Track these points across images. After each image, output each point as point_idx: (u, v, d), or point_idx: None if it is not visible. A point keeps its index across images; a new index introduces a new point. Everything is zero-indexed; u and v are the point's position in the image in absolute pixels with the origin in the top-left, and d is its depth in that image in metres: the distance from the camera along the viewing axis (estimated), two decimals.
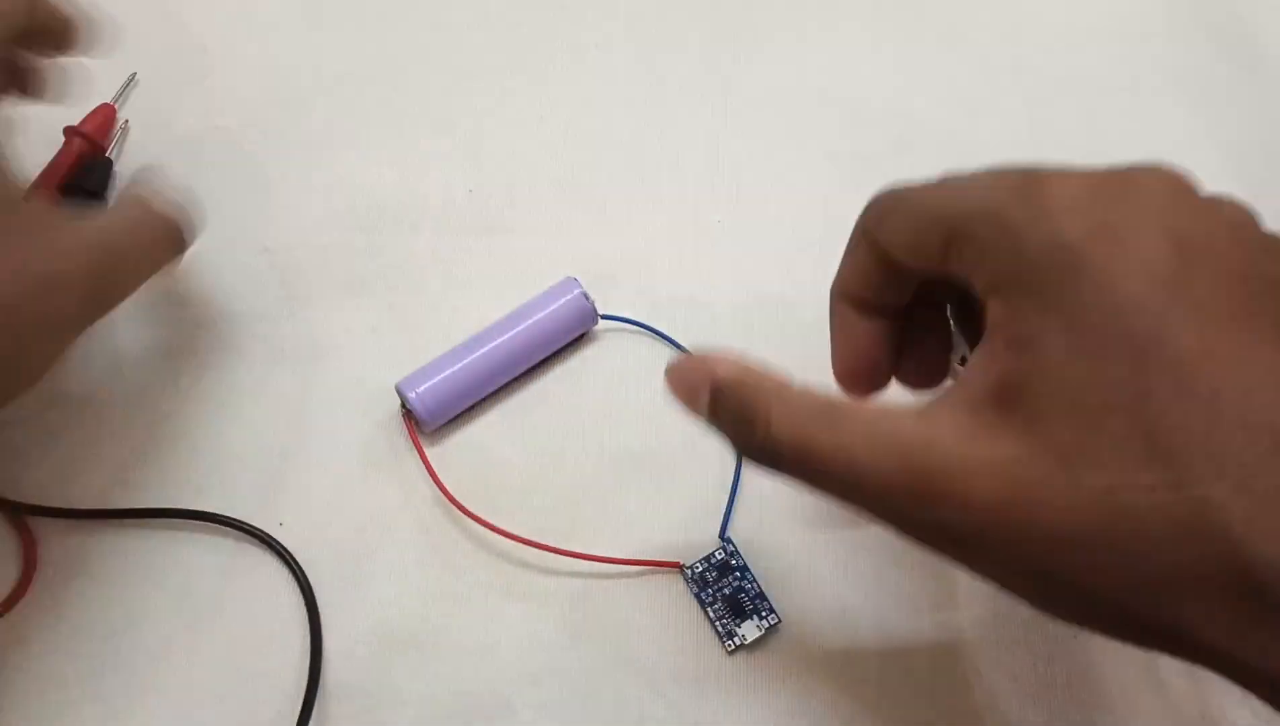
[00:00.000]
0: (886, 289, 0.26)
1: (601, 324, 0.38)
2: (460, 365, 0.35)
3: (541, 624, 0.33)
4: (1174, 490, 0.18)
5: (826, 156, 0.42)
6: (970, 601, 0.34)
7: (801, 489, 0.23)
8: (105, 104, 0.40)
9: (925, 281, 0.26)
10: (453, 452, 0.36)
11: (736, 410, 0.24)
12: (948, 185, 0.23)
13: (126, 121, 0.41)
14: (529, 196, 0.41)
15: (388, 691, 0.32)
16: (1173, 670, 0.33)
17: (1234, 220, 0.22)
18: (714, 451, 0.36)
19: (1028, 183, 0.21)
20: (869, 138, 0.43)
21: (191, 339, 0.37)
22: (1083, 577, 0.20)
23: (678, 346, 0.38)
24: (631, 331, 0.38)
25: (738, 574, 0.34)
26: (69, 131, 0.39)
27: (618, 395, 0.37)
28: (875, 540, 0.34)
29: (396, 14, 0.45)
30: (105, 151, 0.40)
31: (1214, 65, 0.45)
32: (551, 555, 0.33)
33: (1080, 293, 0.20)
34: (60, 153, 0.38)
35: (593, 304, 0.37)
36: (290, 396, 0.37)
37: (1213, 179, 0.43)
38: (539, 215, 0.41)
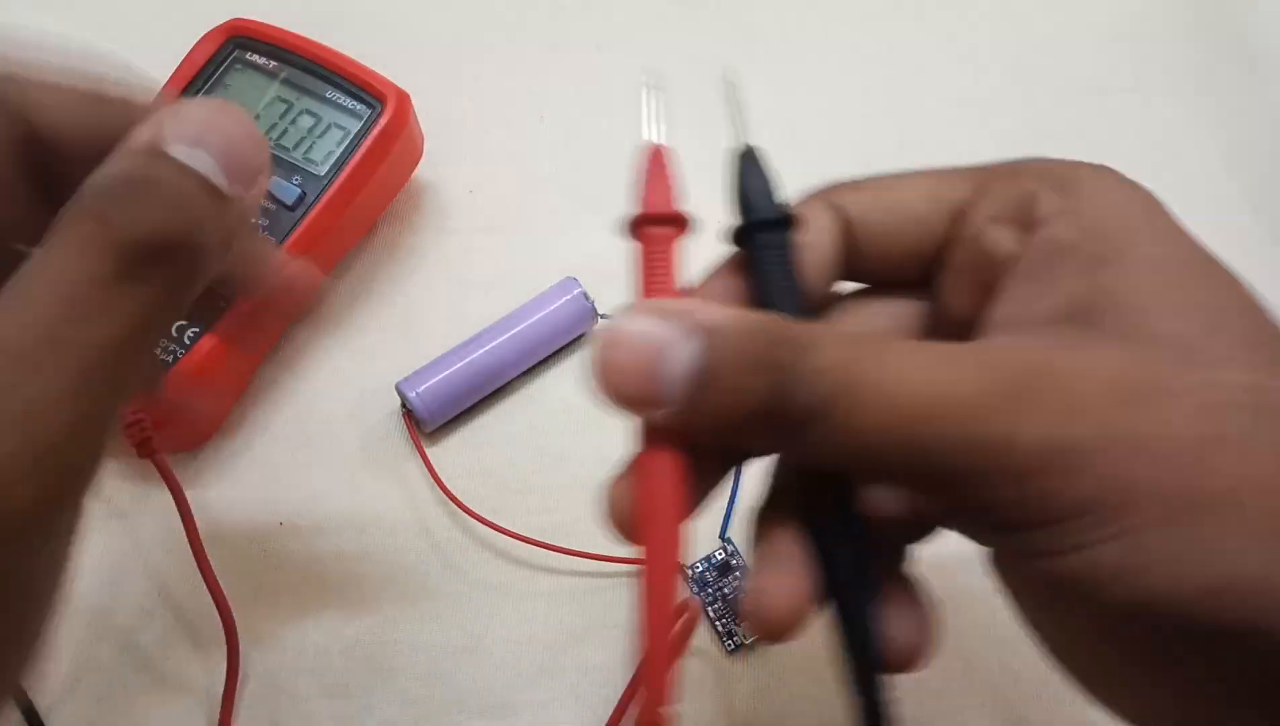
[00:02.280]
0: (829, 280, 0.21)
1: (601, 323, 0.38)
2: (460, 364, 0.35)
3: (541, 623, 0.33)
4: None
5: (826, 156, 0.42)
6: (971, 601, 0.34)
7: (833, 464, 0.18)
8: None
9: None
10: (453, 452, 0.36)
11: (755, 354, 0.17)
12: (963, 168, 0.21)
13: None
14: (529, 196, 0.41)
15: (388, 691, 0.32)
16: None
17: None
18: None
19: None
20: (870, 138, 0.43)
21: None
22: (1216, 481, 0.15)
23: None
24: None
25: (738, 574, 0.34)
26: None
27: None
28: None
29: (399, 16, 0.45)
30: None
31: (1214, 65, 0.45)
32: (552, 554, 0.33)
33: (1162, 221, 0.18)
34: None
35: (592, 303, 0.37)
36: (293, 398, 0.37)
37: (1213, 179, 0.44)
38: (539, 215, 0.41)
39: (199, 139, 0.18)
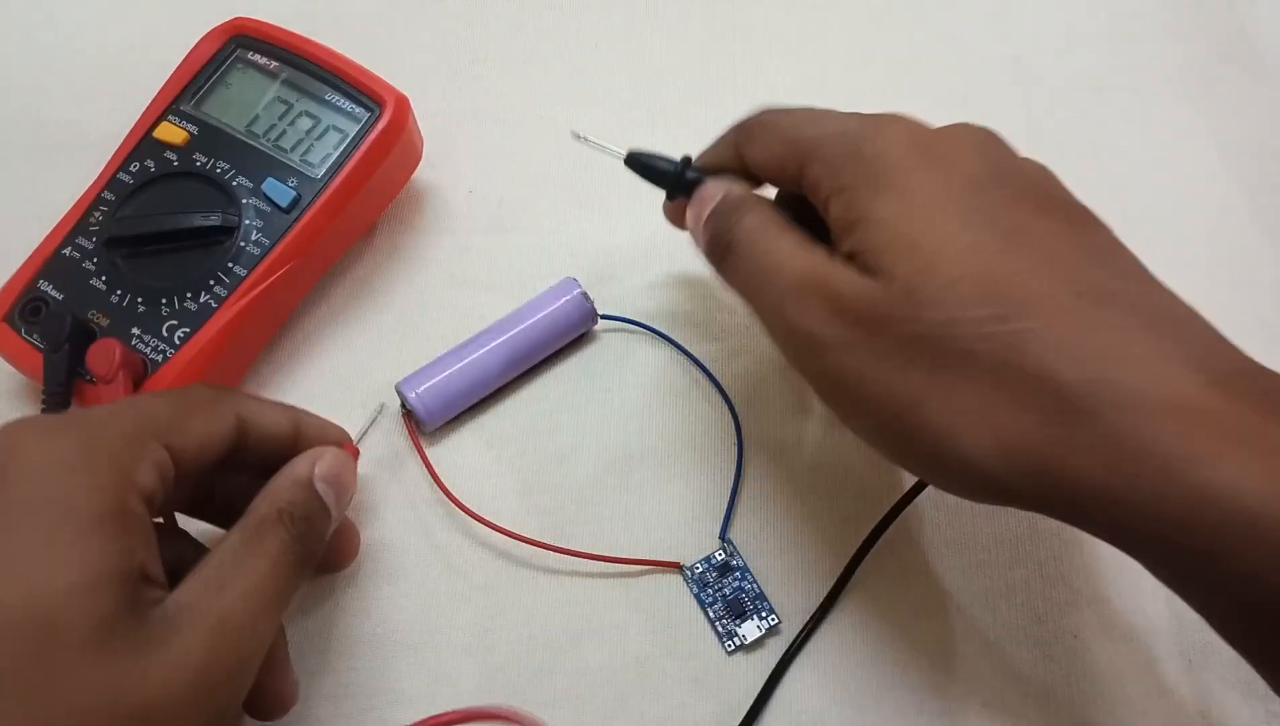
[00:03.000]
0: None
1: (601, 323, 0.38)
2: (460, 365, 0.35)
3: (542, 624, 0.33)
4: (1000, 322, 0.23)
5: None
6: (970, 603, 0.34)
7: (735, 282, 0.30)
8: None
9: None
10: (453, 452, 0.36)
11: (725, 206, 0.30)
12: (811, 113, 0.30)
13: None
14: (529, 196, 0.41)
15: (388, 691, 0.32)
16: (1174, 670, 0.33)
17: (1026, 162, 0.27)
18: (715, 452, 0.36)
19: (877, 117, 0.28)
20: None
21: None
22: (923, 403, 0.23)
23: (676, 345, 0.38)
24: (631, 330, 0.38)
25: (738, 574, 0.34)
26: None
27: (617, 394, 0.37)
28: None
29: (400, 15, 0.45)
30: None
31: (1214, 65, 0.45)
32: (552, 555, 0.33)
33: (912, 182, 0.25)
34: None
35: (592, 304, 0.37)
36: (291, 398, 0.37)
37: (1213, 179, 0.44)
38: (539, 214, 0.41)
39: (329, 478, 0.29)
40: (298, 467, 0.29)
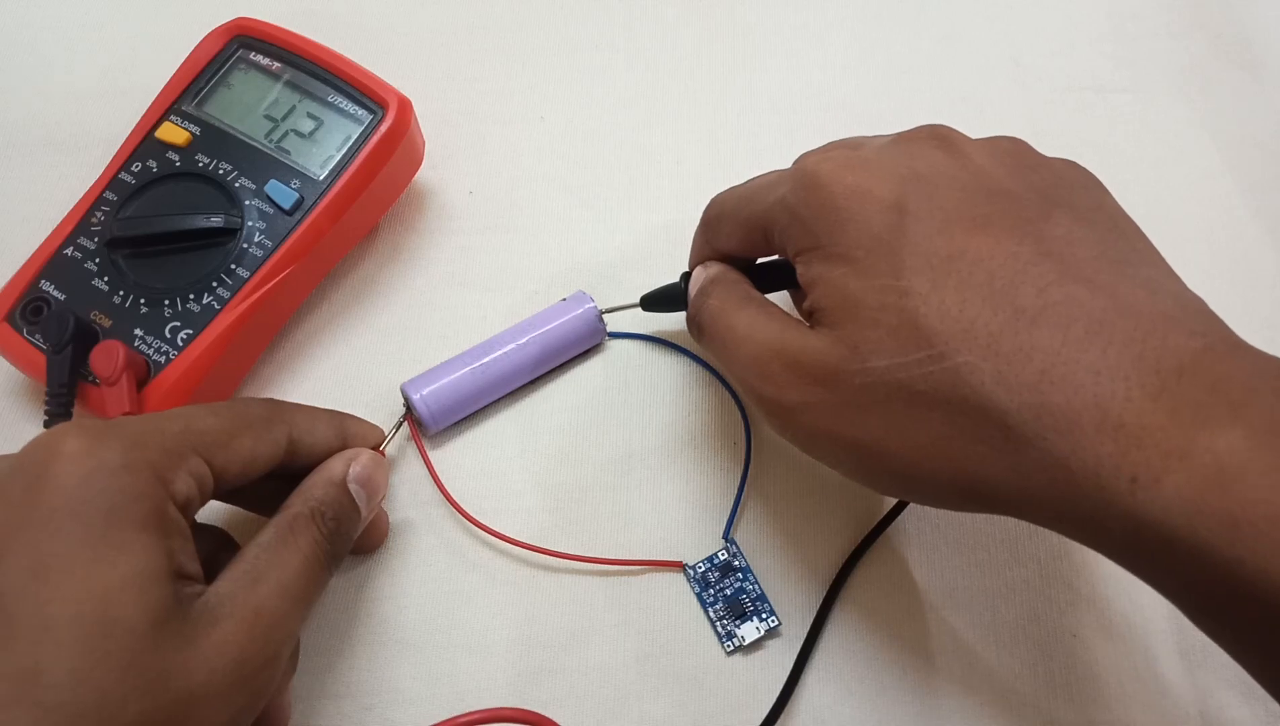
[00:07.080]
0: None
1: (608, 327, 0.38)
2: (467, 371, 0.35)
3: (542, 623, 0.33)
4: (937, 362, 0.23)
5: None
6: (970, 603, 0.34)
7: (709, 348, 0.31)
8: None
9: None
10: (455, 451, 0.36)
11: (697, 291, 0.32)
12: (752, 189, 0.31)
13: None
14: (529, 196, 0.41)
15: (388, 691, 0.32)
16: (1172, 670, 0.33)
17: (969, 153, 0.27)
18: (718, 452, 0.36)
19: (801, 172, 0.27)
20: None
21: None
22: (884, 444, 0.25)
23: (683, 351, 0.38)
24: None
25: (740, 575, 0.34)
26: None
27: (621, 396, 0.37)
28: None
29: (401, 15, 0.45)
30: None
31: (1214, 65, 0.45)
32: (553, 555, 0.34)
33: (845, 238, 0.26)
34: None
35: (604, 323, 0.37)
36: (293, 398, 0.37)
37: (1213, 179, 0.44)
38: (539, 215, 0.41)
39: (361, 480, 0.30)
40: (333, 468, 0.30)
